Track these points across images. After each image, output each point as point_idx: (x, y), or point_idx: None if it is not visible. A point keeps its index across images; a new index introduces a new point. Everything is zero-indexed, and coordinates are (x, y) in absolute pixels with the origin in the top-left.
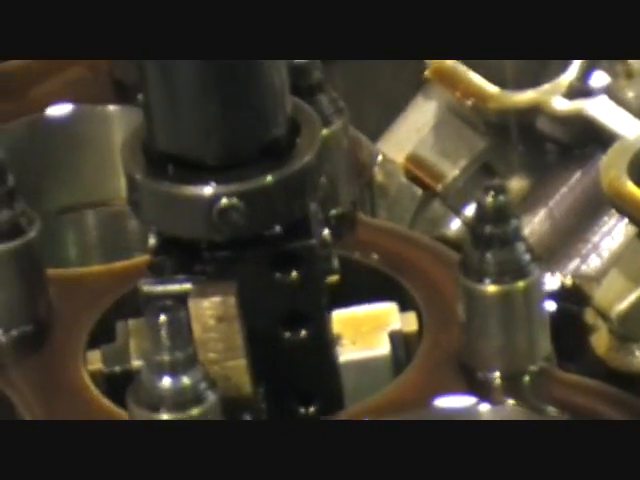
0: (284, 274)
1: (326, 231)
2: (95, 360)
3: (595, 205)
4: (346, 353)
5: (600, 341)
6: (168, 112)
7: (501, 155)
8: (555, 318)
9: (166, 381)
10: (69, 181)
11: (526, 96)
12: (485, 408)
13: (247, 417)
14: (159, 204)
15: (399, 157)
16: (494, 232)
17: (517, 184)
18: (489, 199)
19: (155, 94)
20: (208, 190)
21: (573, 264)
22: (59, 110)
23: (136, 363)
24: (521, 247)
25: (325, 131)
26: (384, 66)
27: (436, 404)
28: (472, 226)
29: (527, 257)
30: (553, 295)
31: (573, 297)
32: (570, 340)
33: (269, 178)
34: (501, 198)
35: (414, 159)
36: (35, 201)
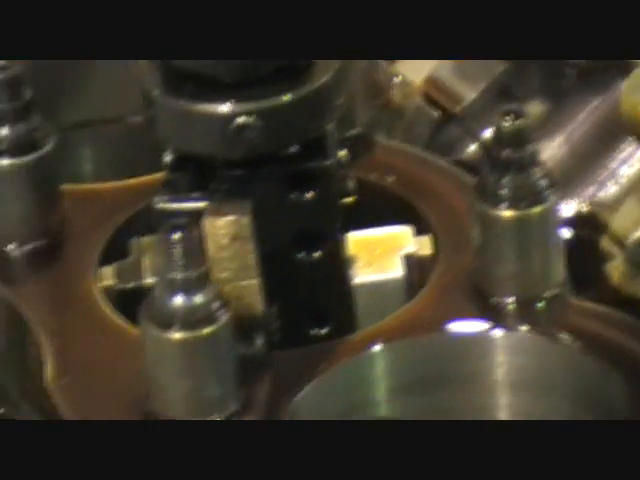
0: (299, 194)
1: (342, 152)
2: (108, 276)
3: (614, 131)
4: (360, 275)
5: (615, 269)
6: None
7: (520, 79)
8: (570, 245)
9: (178, 299)
10: (84, 96)
11: None
12: (498, 333)
13: (259, 338)
14: (176, 120)
15: (417, 79)
16: (511, 156)
17: (535, 109)
18: (507, 123)
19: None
20: (225, 107)
21: (590, 191)
22: None
23: (149, 280)
24: (538, 172)
25: None
26: None
27: (449, 328)
28: (489, 150)
29: (544, 182)
30: (569, 222)
31: (589, 224)
32: (585, 268)
33: (286, 96)
34: (519, 122)
35: (432, 81)
36: (51, 116)
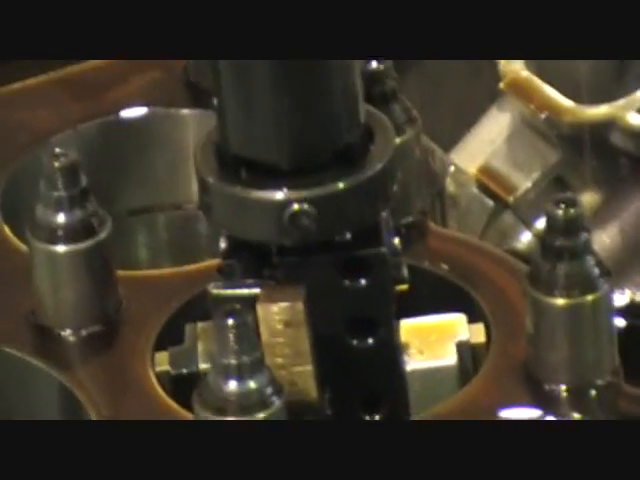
0: (353, 280)
1: (396, 239)
2: (163, 361)
3: None
4: (413, 362)
5: None
6: (241, 115)
7: (574, 169)
8: (623, 334)
9: (232, 384)
10: (141, 183)
11: (601, 110)
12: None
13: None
14: (230, 207)
15: (471, 168)
16: (564, 244)
17: (589, 198)
18: (560, 211)
19: (228, 97)
20: (280, 195)
21: None
22: (133, 112)
23: (203, 366)
24: (591, 260)
25: (398, 140)
26: (458, 75)
27: (502, 415)
28: (542, 237)
29: (596, 271)
30: (622, 311)
31: None
32: (638, 357)
33: (341, 185)
34: (572, 210)
35: (486, 170)
36: (106, 202)
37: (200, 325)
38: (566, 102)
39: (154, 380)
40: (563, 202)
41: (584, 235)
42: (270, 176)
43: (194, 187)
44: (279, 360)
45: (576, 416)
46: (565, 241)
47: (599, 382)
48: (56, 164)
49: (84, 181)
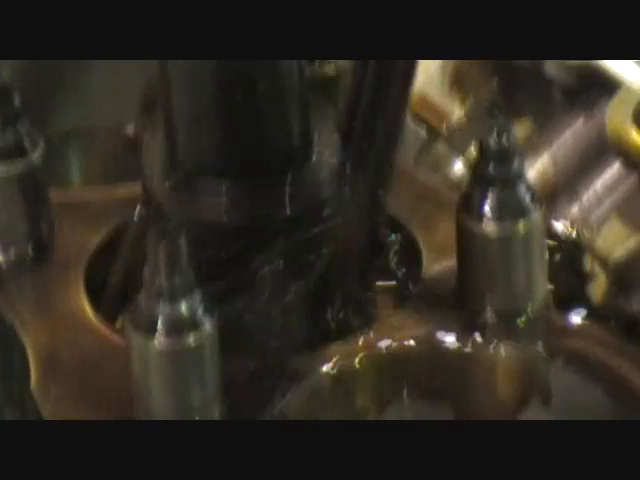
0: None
1: None
2: None
3: (598, 151)
4: None
5: (598, 288)
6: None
7: (507, 98)
8: (553, 263)
9: (163, 305)
10: (75, 104)
11: None
12: (478, 347)
13: None
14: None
15: None
16: (496, 171)
17: (521, 128)
18: (492, 138)
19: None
20: None
21: (574, 210)
22: None
23: None
24: (523, 188)
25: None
26: None
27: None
28: (474, 164)
29: (528, 198)
30: (552, 240)
31: (573, 243)
32: (568, 286)
33: None
34: (505, 137)
35: (420, 98)
36: (39, 123)
37: None
38: None
39: (84, 300)
40: (496, 129)
41: (516, 162)
42: None
43: (129, 108)
44: None
45: (505, 343)
46: (497, 168)
47: (529, 309)
48: None
49: (16, 101)
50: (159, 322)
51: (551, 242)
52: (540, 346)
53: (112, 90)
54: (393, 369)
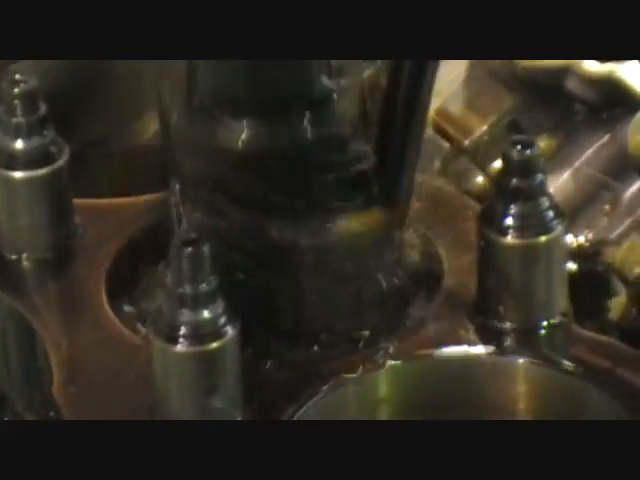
0: None
1: None
2: None
3: (620, 168)
4: None
5: (617, 304)
6: None
7: (529, 113)
8: (574, 279)
9: (186, 314)
10: (100, 115)
11: None
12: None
13: None
14: None
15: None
16: (519, 185)
17: (544, 143)
18: (516, 152)
19: None
20: None
21: (595, 226)
22: None
23: None
24: (545, 202)
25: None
26: None
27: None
28: (498, 178)
29: (551, 212)
30: (573, 255)
31: (594, 259)
32: (588, 301)
33: None
34: (528, 151)
35: (443, 113)
36: (65, 132)
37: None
38: None
39: (106, 306)
40: (519, 143)
41: (539, 176)
42: None
43: (150, 119)
44: None
45: (524, 355)
46: (520, 182)
47: (549, 322)
48: (15, 90)
49: (43, 108)
50: (182, 330)
51: (572, 258)
52: (560, 358)
53: (131, 101)
54: (416, 380)
